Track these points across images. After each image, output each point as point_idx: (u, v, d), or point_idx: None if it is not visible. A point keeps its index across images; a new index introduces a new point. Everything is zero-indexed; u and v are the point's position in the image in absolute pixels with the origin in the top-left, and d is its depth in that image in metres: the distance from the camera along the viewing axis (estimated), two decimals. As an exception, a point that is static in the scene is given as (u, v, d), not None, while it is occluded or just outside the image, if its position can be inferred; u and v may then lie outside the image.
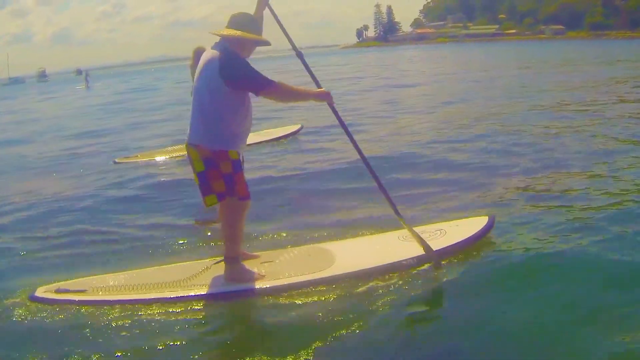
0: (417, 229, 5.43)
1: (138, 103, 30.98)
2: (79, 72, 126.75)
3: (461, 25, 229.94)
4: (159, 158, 12.25)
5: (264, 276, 5.04)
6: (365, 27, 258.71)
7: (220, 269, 5.23)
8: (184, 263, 5.65)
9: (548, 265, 5.16)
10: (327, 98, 5.19)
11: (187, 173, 7.07)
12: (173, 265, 5.64)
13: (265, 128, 13.88)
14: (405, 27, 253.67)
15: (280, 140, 12.73)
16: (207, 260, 5.65)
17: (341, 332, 4.18)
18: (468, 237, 5.40)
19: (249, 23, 5.05)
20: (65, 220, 7.93)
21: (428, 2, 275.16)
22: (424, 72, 38.97)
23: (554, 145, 10.57)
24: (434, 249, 5.16)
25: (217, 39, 5.15)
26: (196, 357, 4.08)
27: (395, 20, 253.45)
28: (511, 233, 5.97)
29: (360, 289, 4.77)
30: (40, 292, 5.07)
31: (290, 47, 5.75)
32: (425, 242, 5.18)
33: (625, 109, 14.38)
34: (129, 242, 6.77)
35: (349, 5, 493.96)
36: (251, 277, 5.05)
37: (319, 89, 5.23)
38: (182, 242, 6.66)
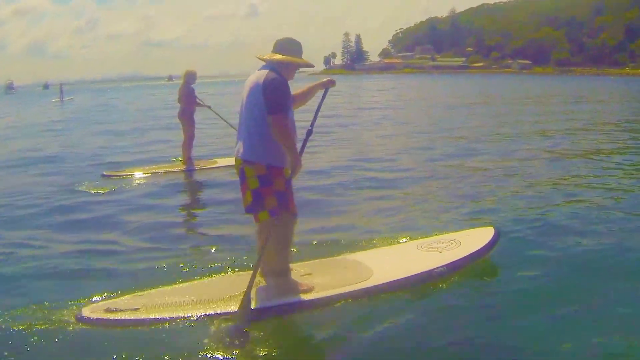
0: (430, 240, 6.19)
1: (115, 118, 31.88)
2: (46, 86, 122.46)
3: (429, 56, 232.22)
4: (147, 174, 12.24)
5: (313, 288, 5.09)
6: (333, 55, 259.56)
7: (266, 282, 5.27)
8: (226, 275, 5.71)
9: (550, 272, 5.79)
10: (295, 168, 5.07)
11: (199, 185, 10.24)
12: (215, 278, 5.64)
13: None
14: (374, 57, 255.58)
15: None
16: (247, 272, 5.34)
17: (394, 339, 4.50)
18: (481, 248, 5.77)
19: (292, 47, 5.22)
20: (86, 236, 7.76)
21: (397, 33, 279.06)
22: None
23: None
24: (453, 260, 5.53)
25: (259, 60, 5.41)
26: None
27: (364, 49, 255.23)
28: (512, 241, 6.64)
29: (402, 297, 5.06)
30: (87, 313, 4.87)
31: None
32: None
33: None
34: (159, 255, 6.70)
35: (318, 33, 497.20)
36: (301, 289, 5.10)
37: (298, 156, 5.05)
38: (215, 254, 6.65)
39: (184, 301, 5.01)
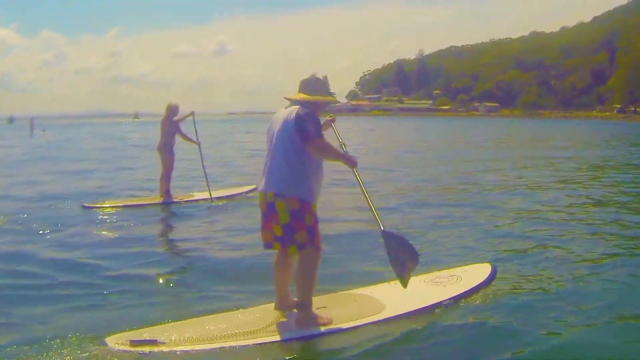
0: (432, 275, 6.37)
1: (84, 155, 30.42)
2: (11, 120, 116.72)
3: (396, 99, 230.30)
4: (127, 206, 12.29)
5: (332, 321, 5.22)
6: None
7: (285, 315, 5.41)
8: (247, 309, 5.70)
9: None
10: (352, 163, 5.36)
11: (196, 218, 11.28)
12: (230, 312, 5.61)
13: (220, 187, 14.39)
14: (341, 98, 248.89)
15: (231, 198, 13.06)
16: (265, 305, 5.68)
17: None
18: (481, 282, 6.06)
19: (317, 86, 5.37)
20: (104, 265, 7.70)
21: (364, 74, 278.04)
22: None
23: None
24: (457, 293, 5.78)
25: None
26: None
27: (331, 90, 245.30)
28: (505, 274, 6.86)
29: (414, 328, 5.22)
30: (112, 343, 4.87)
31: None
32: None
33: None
34: (172, 288, 6.87)
35: (286, 73, 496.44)
36: (321, 322, 5.21)
37: (348, 155, 5.41)
38: (222, 287, 6.72)
39: (206, 335, 5.02)
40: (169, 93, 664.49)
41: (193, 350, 4.77)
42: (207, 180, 12.83)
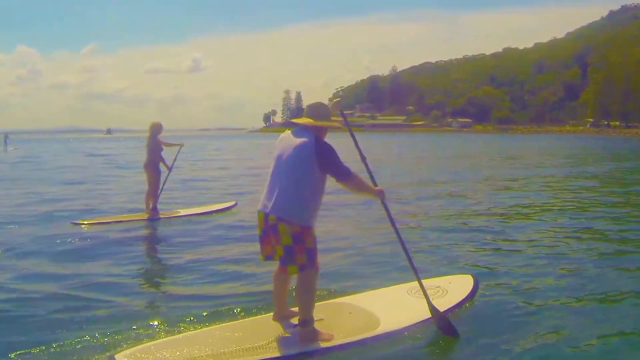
0: (416, 285, 6.01)
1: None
2: None
3: (369, 115, 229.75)
4: (116, 222, 12.34)
5: (333, 337, 5.38)
6: (274, 112, 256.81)
7: (286, 330, 5.58)
8: (247, 319, 5.92)
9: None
10: (382, 195, 5.68)
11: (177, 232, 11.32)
12: (232, 323, 5.80)
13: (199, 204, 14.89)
14: None
15: (214, 213, 13.50)
16: (264, 316, 5.97)
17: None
18: (466, 296, 6.36)
19: (323, 111, 5.53)
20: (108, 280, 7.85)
21: (337, 91, 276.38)
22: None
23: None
24: (443, 308, 5.86)
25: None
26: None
27: (304, 106, 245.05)
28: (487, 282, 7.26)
29: (410, 343, 5.45)
30: (120, 358, 4.92)
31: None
32: (432, 304, 5.75)
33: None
34: (182, 301, 6.85)
35: (260, 90, 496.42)
36: (322, 338, 5.38)
37: (377, 188, 5.67)
38: (222, 299, 6.87)
39: (216, 349, 5.12)
40: (142, 109, 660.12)
41: None
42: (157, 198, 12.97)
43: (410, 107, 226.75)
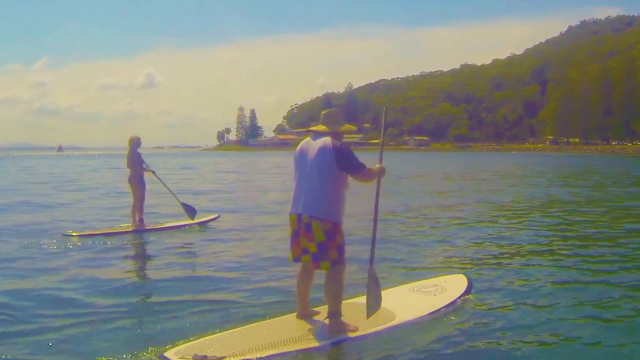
0: (417, 284, 7.43)
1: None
2: None
3: None
4: (107, 235, 12.55)
5: (357, 327, 5.92)
6: (227, 130, 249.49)
7: (316, 324, 6.12)
8: (275, 319, 6.33)
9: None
10: (383, 172, 6.18)
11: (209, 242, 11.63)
12: (267, 321, 6.24)
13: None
14: (268, 132, 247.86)
15: (194, 226, 13.91)
16: (287, 316, 6.40)
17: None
18: (463, 292, 7.05)
19: (338, 118, 6.14)
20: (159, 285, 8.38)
21: (292, 108, 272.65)
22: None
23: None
24: (444, 303, 6.71)
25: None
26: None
27: (258, 124, 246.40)
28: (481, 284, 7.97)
29: (423, 331, 6.12)
30: (171, 355, 5.28)
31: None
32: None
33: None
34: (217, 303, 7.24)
35: (213, 107, 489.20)
36: (349, 328, 5.92)
37: (378, 166, 6.12)
38: (249, 300, 7.35)
39: (255, 345, 5.49)
40: (95, 126, 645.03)
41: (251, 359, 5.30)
42: (177, 200, 14.06)
43: (367, 125, 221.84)
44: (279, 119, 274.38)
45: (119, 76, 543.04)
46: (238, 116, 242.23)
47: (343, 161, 5.72)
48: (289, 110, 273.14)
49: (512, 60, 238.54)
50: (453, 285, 7.27)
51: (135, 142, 13.41)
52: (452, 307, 6.72)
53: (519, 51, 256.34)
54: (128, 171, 13.58)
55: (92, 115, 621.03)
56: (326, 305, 6.14)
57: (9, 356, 5.36)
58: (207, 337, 5.70)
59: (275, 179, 37.78)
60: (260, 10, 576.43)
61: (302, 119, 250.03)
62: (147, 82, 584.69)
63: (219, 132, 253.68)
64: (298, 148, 6.02)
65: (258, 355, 5.28)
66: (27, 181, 34.11)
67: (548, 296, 7.41)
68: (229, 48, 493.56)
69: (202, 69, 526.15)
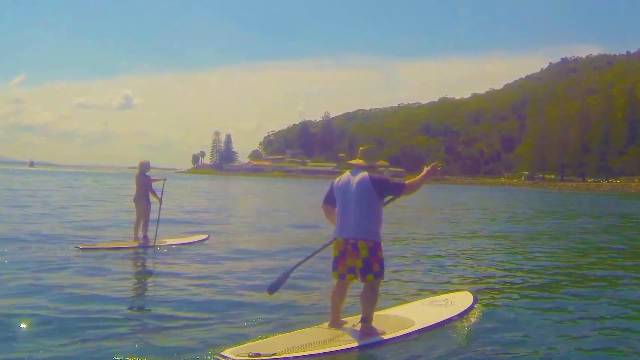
0: (429, 300, 8.40)
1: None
2: None
3: (299, 160, 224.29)
4: (119, 249, 13.47)
5: (385, 332, 6.79)
6: (202, 153, 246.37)
7: (348, 329, 6.90)
8: (313, 328, 7.07)
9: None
10: (434, 173, 6.91)
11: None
12: (308, 328, 7.04)
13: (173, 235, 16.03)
14: (243, 157, 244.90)
15: (188, 245, 14.73)
16: (320, 325, 7.10)
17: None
18: (470, 305, 7.94)
19: (375, 154, 7.11)
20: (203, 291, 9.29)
21: (268, 135, 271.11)
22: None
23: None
24: (459, 312, 7.66)
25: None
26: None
27: (234, 149, 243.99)
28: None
29: (436, 336, 6.94)
30: (229, 354, 5.93)
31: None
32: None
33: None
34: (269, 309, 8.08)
35: (190, 131, 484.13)
36: (379, 332, 6.78)
37: (426, 170, 6.93)
38: (288, 308, 8.24)
39: (301, 346, 6.22)
40: (70, 144, 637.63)
41: (298, 357, 6.02)
42: (157, 228, 14.12)
43: (342, 154, 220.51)
44: (255, 145, 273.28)
45: (96, 96, 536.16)
46: (213, 140, 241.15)
47: (383, 189, 6.72)
48: (265, 137, 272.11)
49: (491, 95, 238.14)
50: (460, 300, 8.25)
51: (144, 166, 14.67)
52: (462, 317, 7.63)
53: (499, 86, 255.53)
54: (135, 191, 14.68)
55: (67, 133, 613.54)
56: (352, 317, 7.26)
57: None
58: (257, 341, 6.48)
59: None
60: (242, 37, 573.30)
61: (278, 145, 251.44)
62: (124, 103, 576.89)
63: (193, 155, 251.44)
64: (339, 181, 6.98)
65: (304, 353, 6.08)
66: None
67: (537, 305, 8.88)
68: (210, 73, 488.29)
69: (180, 92, 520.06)
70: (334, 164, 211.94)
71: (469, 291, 8.75)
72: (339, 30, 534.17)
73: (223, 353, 5.94)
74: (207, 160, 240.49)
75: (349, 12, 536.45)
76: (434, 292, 9.35)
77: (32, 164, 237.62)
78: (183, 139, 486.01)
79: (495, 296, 9.52)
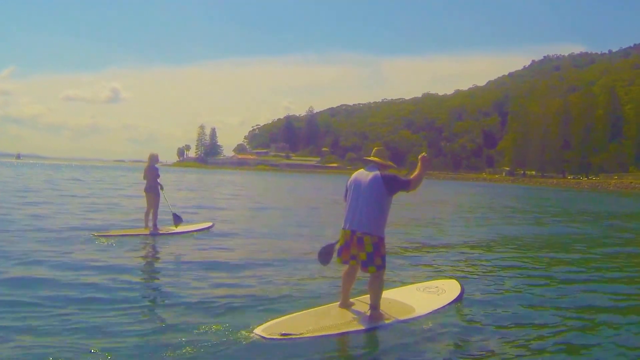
0: (422, 285, 9.14)
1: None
2: None
3: (284, 154, 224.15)
4: (131, 236, 14.10)
5: (390, 318, 7.46)
6: (188, 147, 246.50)
7: (357, 313, 7.60)
8: (326, 306, 7.85)
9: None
10: (428, 162, 7.53)
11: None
12: (326, 306, 7.84)
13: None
14: (228, 151, 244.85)
15: (193, 233, 15.54)
16: (330, 305, 7.88)
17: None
18: (459, 293, 8.67)
19: (386, 154, 7.70)
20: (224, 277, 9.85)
21: (253, 129, 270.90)
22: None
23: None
24: (446, 302, 8.32)
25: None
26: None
27: (219, 143, 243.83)
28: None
29: (434, 321, 7.58)
30: (261, 331, 6.68)
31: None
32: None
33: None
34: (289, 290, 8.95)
35: (177, 125, 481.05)
36: (385, 317, 7.43)
37: (420, 162, 7.48)
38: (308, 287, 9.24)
39: (322, 327, 6.97)
40: (57, 137, 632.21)
41: (320, 336, 6.74)
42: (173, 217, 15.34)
43: (325, 149, 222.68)
44: (240, 139, 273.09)
45: (84, 89, 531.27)
46: (199, 134, 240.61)
47: (392, 185, 7.24)
48: (250, 131, 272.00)
49: (474, 92, 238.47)
50: (449, 288, 8.95)
51: (153, 159, 15.50)
52: (453, 304, 8.37)
53: (482, 83, 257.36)
54: (144, 182, 15.46)
55: (55, 125, 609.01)
56: (359, 298, 8.08)
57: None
58: (281, 318, 7.18)
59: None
60: (230, 32, 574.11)
61: (263, 139, 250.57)
62: (112, 96, 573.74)
63: (179, 148, 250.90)
64: (353, 176, 7.55)
65: (326, 333, 6.83)
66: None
67: (522, 291, 9.62)
68: (197, 67, 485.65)
69: (168, 86, 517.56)
70: (317, 158, 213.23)
71: (456, 280, 9.45)
72: (325, 27, 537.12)
73: (255, 331, 6.64)
74: (192, 153, 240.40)
75: (334, 8, 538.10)
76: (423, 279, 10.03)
77: (19, 156, 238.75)
78: (170, 132, 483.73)
79: (479, 284, 10.17)
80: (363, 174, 7.43)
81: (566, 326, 7.71)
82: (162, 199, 15.39)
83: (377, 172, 7.28)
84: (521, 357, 6.65)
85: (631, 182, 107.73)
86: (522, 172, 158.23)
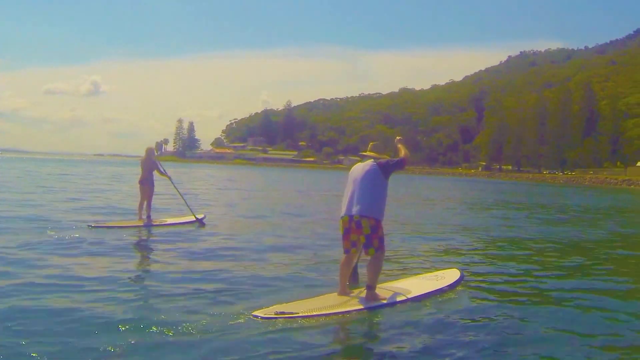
0: (424, 276, 9.16)
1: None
2: None
3: (261, 148, 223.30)
4: (126, 227, 14.37)
5: (385, 299, 7.72)
6: (166, 141, 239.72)
7: (355, 296, 7.83)
8: (321, 296, 7.88)
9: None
10: (404, 141, 8.27)
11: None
12: (324, 295, 7.93)
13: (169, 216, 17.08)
14: (206, 145, 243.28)
15: (185, 224, 15.64)
16: (328, 294, 7.96)
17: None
18: (458, 278, 8.83)
19: (382, 147, 8.07)
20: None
21: (231, 123, 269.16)
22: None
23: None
24: (449, 283, 8.58)
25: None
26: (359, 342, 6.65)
27: (196, 137, 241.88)
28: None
29: (429, 302, 7.87)
30: (259, 313, 6.93)
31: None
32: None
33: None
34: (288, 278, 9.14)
35: (156, 118, 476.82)
36: (381, 298, 7.68)
37: (398, 139, 8.33)
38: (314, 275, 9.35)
39: (318, 307, 7.27)
40: (39, 131, 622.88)
41: (316, 315, 7.01)
42: (187, 204, 15.89)
43: (302, 143, 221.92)
44: (218, 133, 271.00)
45: (65, 82, 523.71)
46: (177, 128, 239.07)
47: (388, 168, 7.65)
48: (228, 125, 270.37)
49: (451, 87, 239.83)
50: (450, 275, 9.13)
51: (150, 152, 15.73)
52: (451, 288, 8.58)
53: (459, 78, 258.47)
54: (140, 174, 15.68)
55: (37, 119, 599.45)
56: (356, 289, 8.16)
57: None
58: (281, 304, 7.30)
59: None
60: (209, 26, 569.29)
61: (240, 133, 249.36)
62: (92, 89, 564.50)
63: (157, 142, 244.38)
64: (353, 168, 7.94)
65: (320, 312, 7.06)
66: None
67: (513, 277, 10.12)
68: (177, 61, 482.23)
69: (148, 80, 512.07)
70: (295, 153, 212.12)
71: (456, 268, 9.61)
72: (304, 21, 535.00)
73: (254, 313, 6.89)
74: (170, 147, 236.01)
75: (314, 2, 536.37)
76: (427, 270, 10.10)
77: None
78: (150, 126, 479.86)
79: (480, 272, 10.46)
80: (360, 165, 7.82)
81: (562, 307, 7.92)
82: (172, 190, 16.37)
83: (372, 161, 7.68)
84: (518, 336, 6.80)
85: (606, 177, 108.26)
86: (498, 166, 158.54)
